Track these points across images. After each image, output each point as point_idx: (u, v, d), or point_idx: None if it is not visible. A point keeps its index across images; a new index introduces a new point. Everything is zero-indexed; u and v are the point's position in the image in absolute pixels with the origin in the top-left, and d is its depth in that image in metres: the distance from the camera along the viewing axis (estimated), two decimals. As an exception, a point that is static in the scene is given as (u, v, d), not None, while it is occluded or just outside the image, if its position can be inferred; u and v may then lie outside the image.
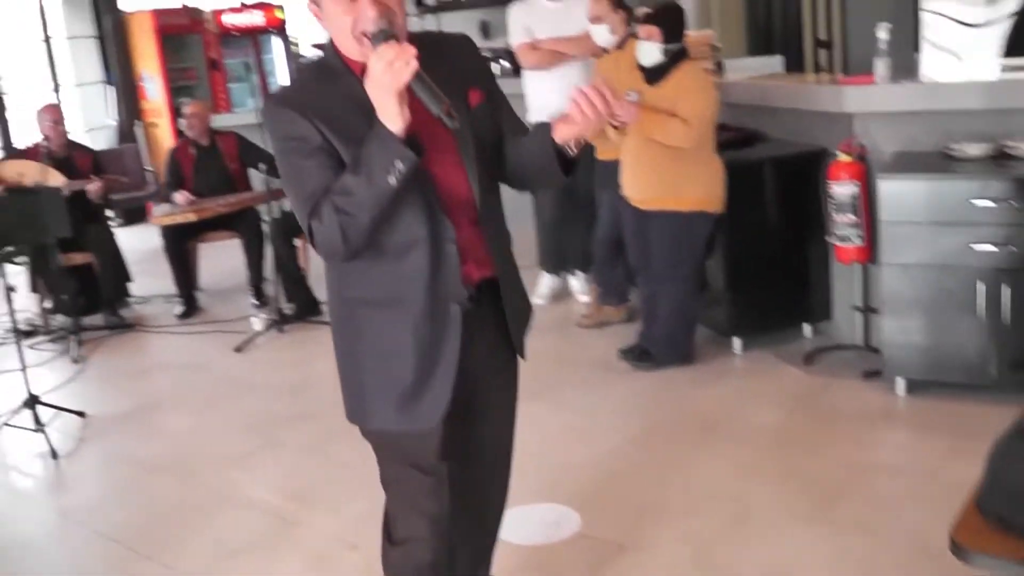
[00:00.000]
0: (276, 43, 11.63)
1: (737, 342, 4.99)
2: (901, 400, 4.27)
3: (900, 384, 4.27)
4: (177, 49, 10.40)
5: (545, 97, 5.67)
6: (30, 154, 6.49)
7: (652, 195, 4.72)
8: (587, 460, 4.03)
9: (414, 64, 1.87)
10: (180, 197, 6.58)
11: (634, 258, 4.98)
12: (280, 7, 11.44)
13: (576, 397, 4.70)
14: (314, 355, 5.60)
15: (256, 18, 11.23)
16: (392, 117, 1.92)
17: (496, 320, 2.30)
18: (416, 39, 2.01)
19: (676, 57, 4.64)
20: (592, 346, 5.34)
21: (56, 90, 9.71)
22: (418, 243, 2.10)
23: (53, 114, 6.54)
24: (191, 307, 6.81)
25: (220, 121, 7.78)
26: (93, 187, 6.38)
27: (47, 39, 9.64)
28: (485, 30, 11.10)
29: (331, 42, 2.11)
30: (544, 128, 2.14)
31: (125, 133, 10.21)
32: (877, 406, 4.25)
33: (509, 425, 2.53)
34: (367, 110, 1.96)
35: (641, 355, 4.92)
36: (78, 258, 6.47)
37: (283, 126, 2.03)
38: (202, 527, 3.80)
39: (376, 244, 2.08)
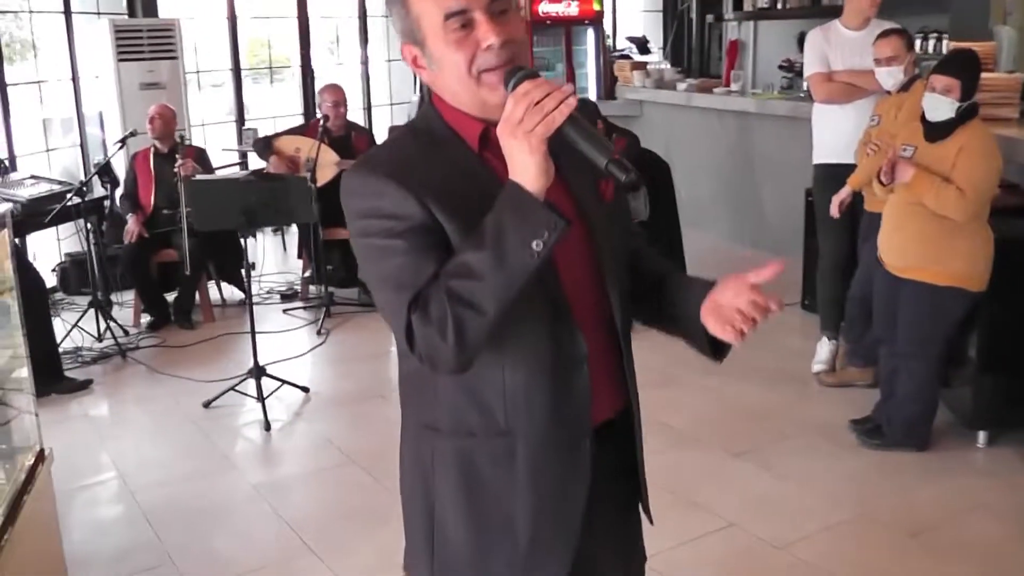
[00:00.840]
0: (589, 35, 11.61)
1: (982, 435, 4.45)
2: None
3: None
4: (489, 34, 10.53)
5: (831, 136, 5.34)
6: (310, 130, 6.79)
7: (907, 262, 4.29)
8: (774, 538, 3.71)
9: (572, 102, 1.44)
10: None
11: (880, 326, 4.56)
12: (598, -2, 11.40)
13: (787, 463, 4.36)
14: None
15: (572, 8, 11.23)
16: (534, 174, 1.46)
17: (624, 467, 1.85)
18: None
19: (965, 114, 4.16)
20: (825, 407, 4.94)
21: (365, 63, 10.16)
22: (541, 359, 1.64)
23: (335, 95, 6.78)
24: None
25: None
26: (358, 167, 6.58)
27: (363, 16, 10.10)
28: (802, 42, 10.52)
29: (431, 103, 1.69)
30: (700, 290, 1.71)
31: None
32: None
33: None
34: (482, 184, 1.58)
35: (873, 431, 4.50)
36: (343, 233, 6.73)
37: (377, 201, 1.57)
38: (373, 534, 3.82)
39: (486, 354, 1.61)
